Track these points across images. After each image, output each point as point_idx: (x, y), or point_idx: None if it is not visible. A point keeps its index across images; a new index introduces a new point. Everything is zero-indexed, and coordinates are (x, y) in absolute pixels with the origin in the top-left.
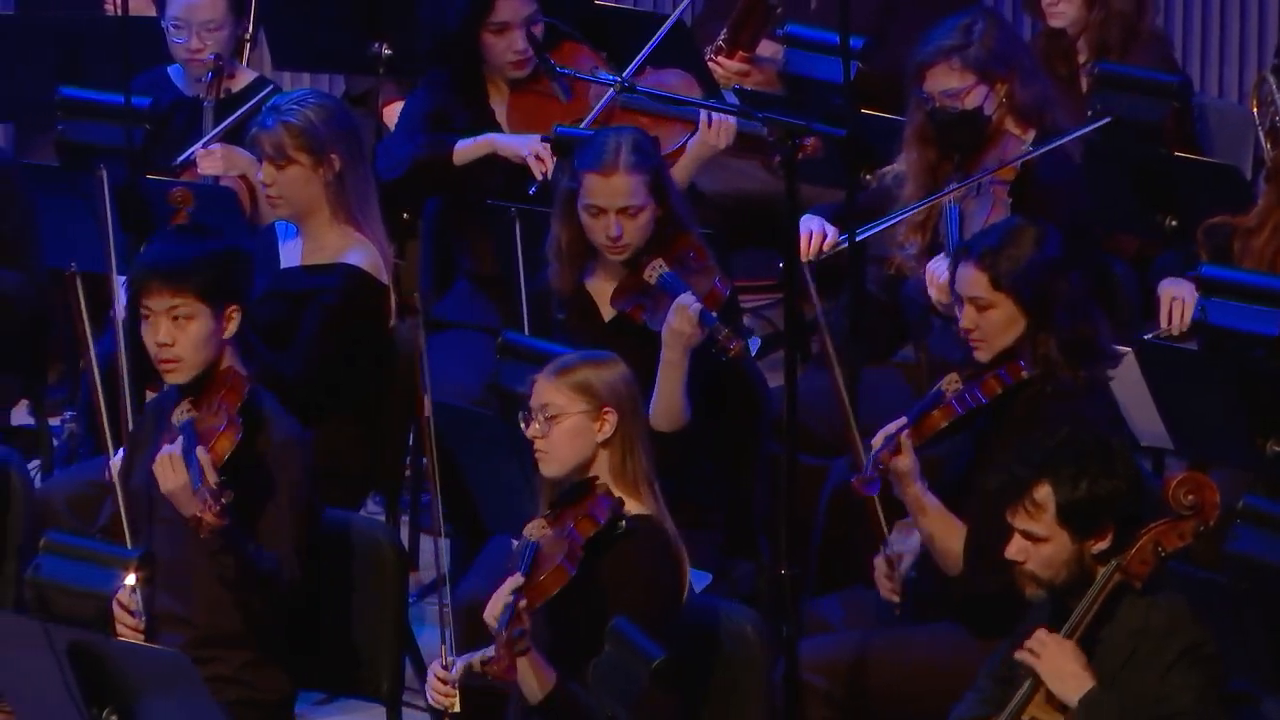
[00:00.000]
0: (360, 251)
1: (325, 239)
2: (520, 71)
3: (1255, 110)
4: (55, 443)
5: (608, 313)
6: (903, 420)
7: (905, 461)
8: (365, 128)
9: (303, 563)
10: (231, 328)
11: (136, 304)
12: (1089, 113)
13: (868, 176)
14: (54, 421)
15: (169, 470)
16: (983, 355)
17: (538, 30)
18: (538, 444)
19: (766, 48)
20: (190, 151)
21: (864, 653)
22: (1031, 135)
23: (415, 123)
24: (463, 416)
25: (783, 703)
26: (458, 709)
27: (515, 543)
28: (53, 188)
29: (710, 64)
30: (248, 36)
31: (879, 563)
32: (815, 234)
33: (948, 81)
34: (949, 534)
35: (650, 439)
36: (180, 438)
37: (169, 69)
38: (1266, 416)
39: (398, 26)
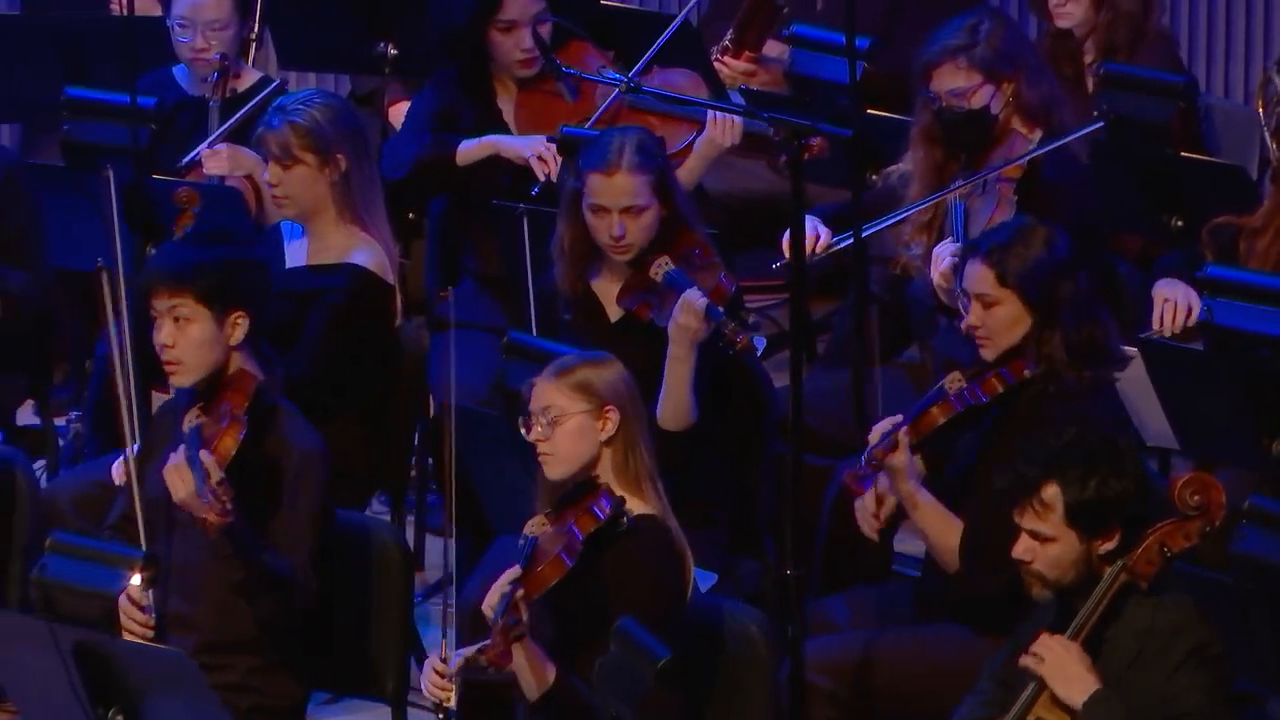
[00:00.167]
0: (366, 251)
1: (331, 239)
2: (528, 70)
3: (1261, 110)
4: (61, 443)
5: (614, 312)
6: (898, 417)
7: (901, 458)
8: (371, 128)
9: (317, 572)
10: (238, 334)
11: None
12: (1095, 113)
13: (873, 176)
14: (59, 421)
15: (178, 479)
16: (988, 353)
17: (544, 30)
18: (542, 447)
19: (772, 48)
20: (196, 152)
21: (869, 653)
22: (1038, 135)
23: (421, 122)
24: (468, 417)
25: (788, 703)
26: (452, 703)
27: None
28: (58, 188)
29: (716, 64)
30: (253, 36)
31: (866, 497)
32: (808, 236)
33: (954, 81)
34: (946, 531)
35: (653, 437)
36: (185, 445)
37: (174, 69)
38: (1272, 417)
39: (403, 26)
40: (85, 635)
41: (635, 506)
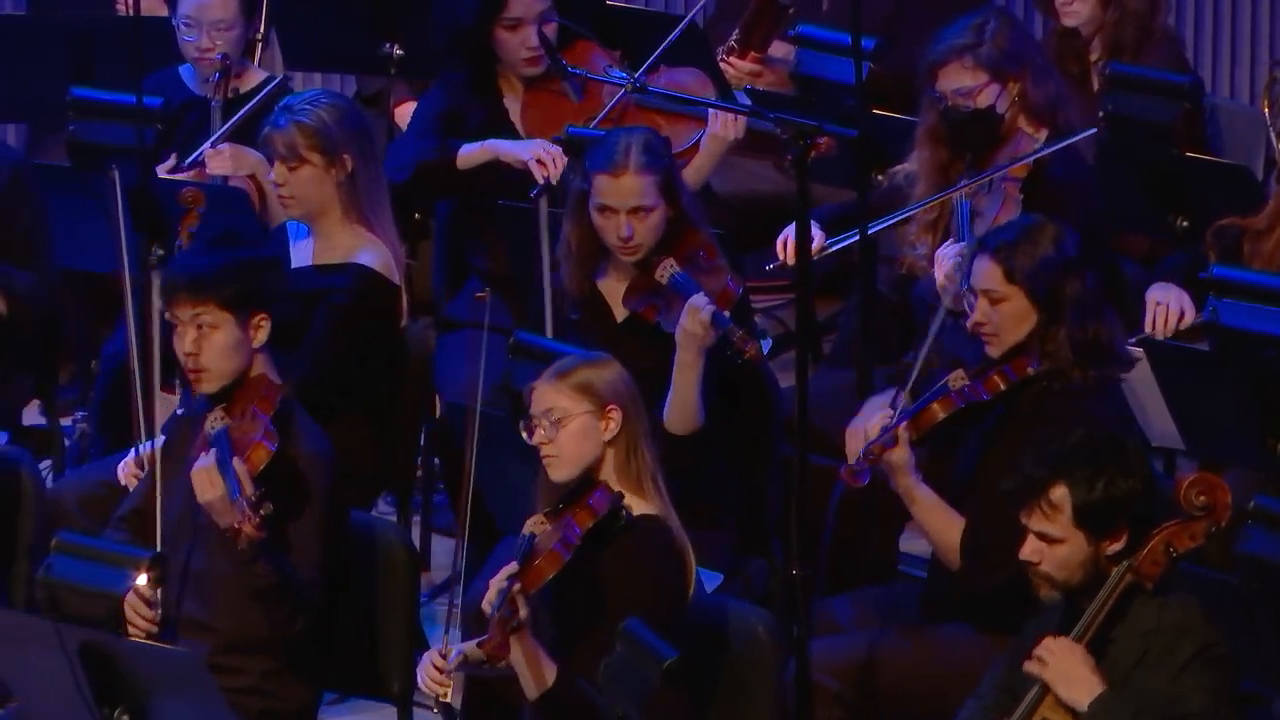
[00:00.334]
0: (372, 252)
1: (337, 239)
2: (533, 69)
3: (1266, 111)
4: (66, 443)
5: (620, 313)
6: (889, 410)
7: (900, 454)
8: (377, 128)
9: (327, 575)
10: (260, 336)
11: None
12: (1100, 113)
13: (879, 176)
14: (65, 421)
15: (206, 482)
16: (993, 350)
17: (550, 30)
18: (546, 449)
19: (778, 48)
20: (198, 152)
21: (875, 654)
22: (1044, 134)
23: (427, 123)
24: (473, 417)
25: (793, 703)
26: (449, 698)
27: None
28: (64, 188)
29: (722, 64)
30: (259, 36)
31: (852, 430)
32: None
33: (960, 80)
34: (945, 527)
35: (655, 437)
36: (214, 448)
37: (180, 69)
38: (1277, 417)
39: (409, 27)
40: (91, 635)
41: (637, 506)
